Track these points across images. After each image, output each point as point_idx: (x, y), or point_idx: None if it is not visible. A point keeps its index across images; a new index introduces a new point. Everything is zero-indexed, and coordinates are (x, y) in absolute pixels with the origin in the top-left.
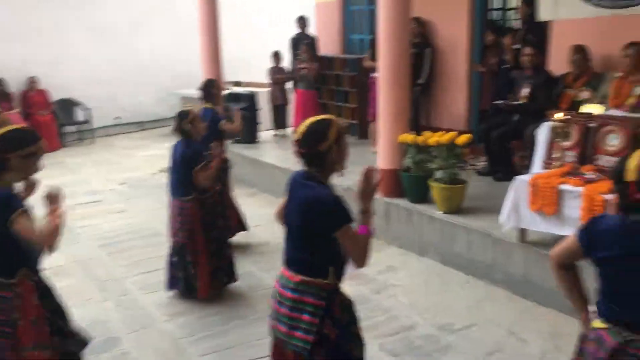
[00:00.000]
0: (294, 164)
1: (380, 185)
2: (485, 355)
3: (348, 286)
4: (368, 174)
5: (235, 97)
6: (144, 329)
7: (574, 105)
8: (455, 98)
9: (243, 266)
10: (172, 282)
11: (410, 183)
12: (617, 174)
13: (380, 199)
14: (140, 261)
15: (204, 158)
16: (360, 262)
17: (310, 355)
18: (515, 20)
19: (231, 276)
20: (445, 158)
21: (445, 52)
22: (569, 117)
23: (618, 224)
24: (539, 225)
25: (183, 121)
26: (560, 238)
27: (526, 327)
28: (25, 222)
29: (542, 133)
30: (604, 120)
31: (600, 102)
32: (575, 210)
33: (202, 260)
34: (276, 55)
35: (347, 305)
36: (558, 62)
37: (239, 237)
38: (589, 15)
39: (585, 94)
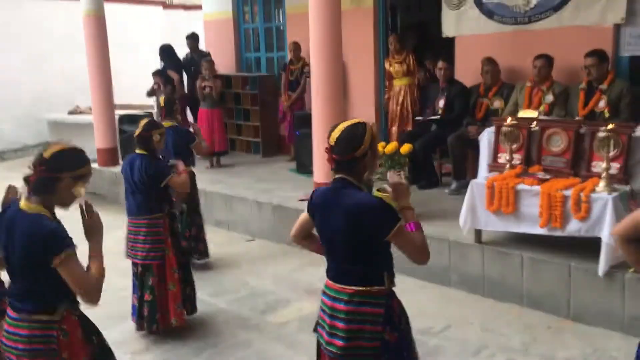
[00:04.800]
0: (210, 184)
1: None
2: (474, 354)
3: (309, 303)
4: (394, 173)
5: (132, 119)
6: None
7: (488, 113)
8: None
9: None
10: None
11: None
12: None
13: None
14: None
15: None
16: (422, 257)
17: None
18: None
19: (194, 305)
20: (390, 168)
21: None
22: (516, 122)
23: None
24: (496, 225)
25: (154, 132)
26: (516, 235)
27: (498, 323)
28: (74, 265)
29: (485, 138)
30: (546, 124)
31: (513, 110)
32: (533, 208)
33: (176, 283)
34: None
35: (402, 308)
36: (463, 75)
37: None
38: (491, 31)
39: (497, 103)
